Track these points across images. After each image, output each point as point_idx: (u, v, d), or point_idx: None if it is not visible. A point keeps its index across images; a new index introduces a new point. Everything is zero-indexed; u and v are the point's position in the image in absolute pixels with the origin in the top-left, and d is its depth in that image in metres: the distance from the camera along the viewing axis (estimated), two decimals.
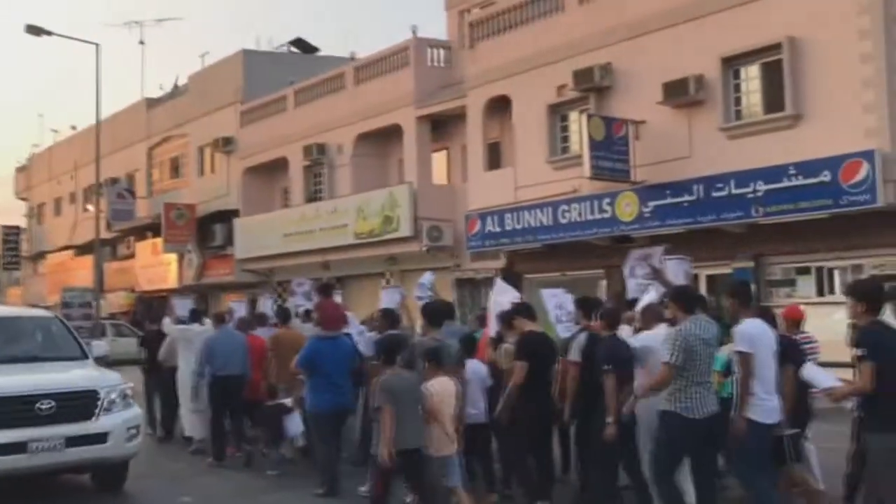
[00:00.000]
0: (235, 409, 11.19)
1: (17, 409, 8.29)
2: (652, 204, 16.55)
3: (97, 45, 27.68)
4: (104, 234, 32.75)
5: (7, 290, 49.17)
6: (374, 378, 7.81)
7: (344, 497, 8.85)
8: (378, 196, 23.66)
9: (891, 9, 14.03)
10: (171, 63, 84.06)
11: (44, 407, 8.33)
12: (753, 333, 6.72)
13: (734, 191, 15.25)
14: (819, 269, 15.55)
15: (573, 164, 18.08)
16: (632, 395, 7.33)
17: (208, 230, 31.86)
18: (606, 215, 17.38)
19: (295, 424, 10.14)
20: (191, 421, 12.16)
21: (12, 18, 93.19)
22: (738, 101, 16.14)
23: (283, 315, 12.00)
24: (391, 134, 24.63)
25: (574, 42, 18.33)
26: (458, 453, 7.53)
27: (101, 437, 8.63)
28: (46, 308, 17.64)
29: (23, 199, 50.02)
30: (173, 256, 33.15)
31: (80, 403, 8.64)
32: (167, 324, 13.20)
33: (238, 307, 15.65)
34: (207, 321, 13.00)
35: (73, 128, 43.76)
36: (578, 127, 18.14)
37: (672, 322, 7.16)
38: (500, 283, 10.47)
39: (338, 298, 15.12)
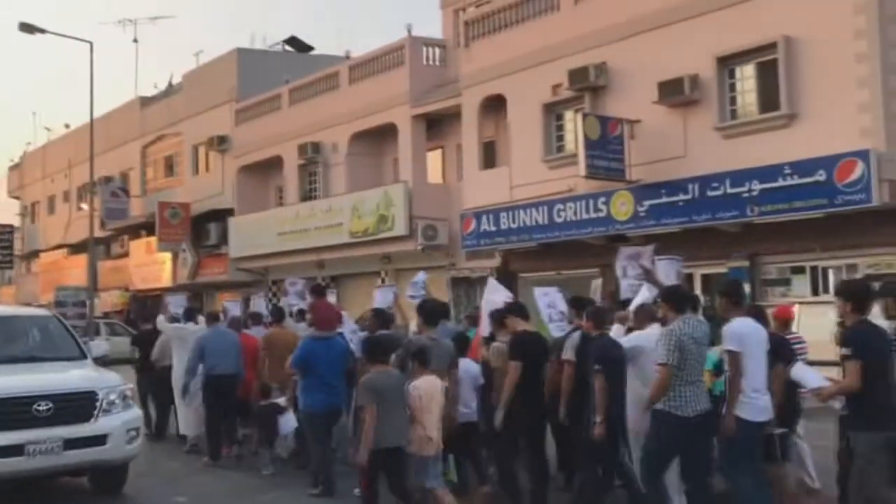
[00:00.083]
0: (229, 409, 11.16)
1: (14, 411, 8.14)
2: (647, 203, 16.56)
3: (91, 43, 27.60)
4: (98, 233, 32.70)
5: (0, 289, 49.07)
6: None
7: (339, 497, 8.83)
8: (373, 195, 23.65)
9: (886, 8, 14.07)
10: (166, 61, 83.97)
11: (41, 408, 8.18)
12: (742, 332, 6.73)
13: (729, 190, 15.26)
14: (814, 269, 15.57)
15: (568, 164, 18.09)
16: (625, 400, 7.32)
17: (202, 229, 31.82)
18: (602, 214, 17.39)
19: (288, 423, 10.13)
20: (185, 419, 12.16)
21: (5, 16, 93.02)
22: (733, 100, 16.16)
23: (278, 314, 12.00)
24: (386, 133, 24.61)
25: (569, 41, 18.33)
26: (438, 454, 7.53)
27: (99, 439, 8.46)
28: (40, 307, 17.60)
29: (15, 197, 49.93)
30: (167, 255, 33.10)
31: (78, 405, 8.48)
32: (161, 321, 13.16)
33: (232, 306, 15.61)
34: (202, 320, 12.97)
35: (67, 126, 43.70)
36: (573, 126, 18.16)
37: (664, 322, 7.18)
38: (492, 283, 10.49)
39: (332, 298, 15.18)
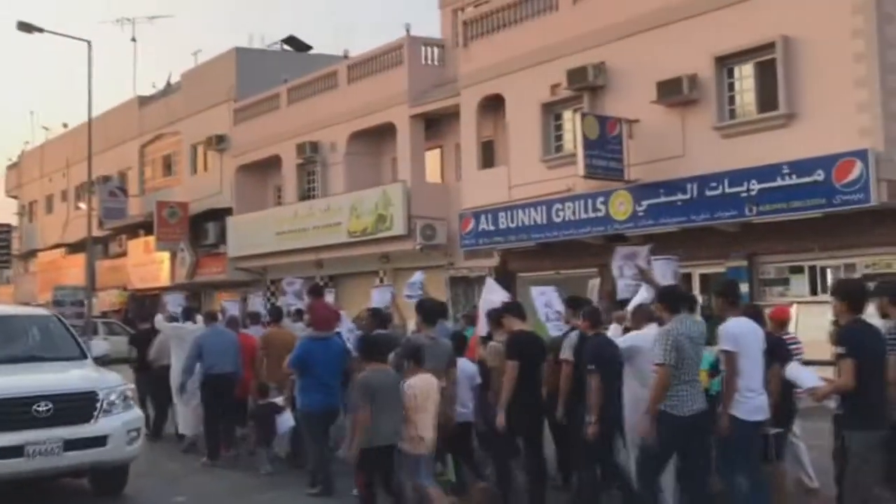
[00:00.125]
0: (227, 408, 11.16)
1: (14, 412, 8.07)
2: (646, 203, 16.56)
3: (89, 42, 27.53)
4: (96, 232, 32.64)
5: None
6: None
7: (338, 497, 8.83)
8: (371, 194, 23.63)
9: (884, 8, 14.07)
10: (164, 61, 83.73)
11: (41, 409, 8.11)
12: (738, 332, 6.74)
13: (728, 190, 15.27)
14: (812, 269, 15.58)
15: (567, 163, 18.08)
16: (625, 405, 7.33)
17: (201, 228, 31.79)
18: (600, 214, 17.39)
19: (286, 422, 10.13)
20: (183, 417, 12.16)
21: (4, 15, 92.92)
22: (731, 100, 16.16)
23: (276, 314, 12.00)
24: (385, 132, 24.60)
25: (568, 41, 18.33)
26: (431, 453, 7.53)
27: (100, 440, 8.39)
28: (38, 306, 17.57)
29: (13, 196, 49.88)
30: (166, 255, 33.06)
31: (78, 405, 8.41)
32: (159, 320, 13.16)
33: (231, 306, 15.62)
34: (200, 319, 12.97)
35: (65, 125, 43.69)
36: (572, 126, 18.15)
37: (661, 322, 7.18)
38: (490, 283, 10.50)
39: (330, 297, 15.18)
